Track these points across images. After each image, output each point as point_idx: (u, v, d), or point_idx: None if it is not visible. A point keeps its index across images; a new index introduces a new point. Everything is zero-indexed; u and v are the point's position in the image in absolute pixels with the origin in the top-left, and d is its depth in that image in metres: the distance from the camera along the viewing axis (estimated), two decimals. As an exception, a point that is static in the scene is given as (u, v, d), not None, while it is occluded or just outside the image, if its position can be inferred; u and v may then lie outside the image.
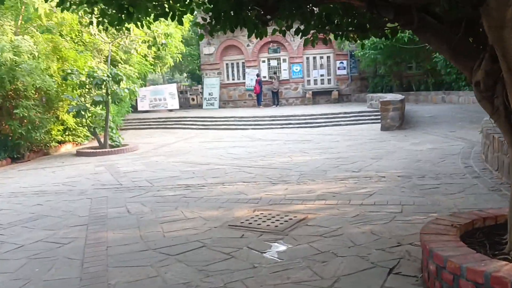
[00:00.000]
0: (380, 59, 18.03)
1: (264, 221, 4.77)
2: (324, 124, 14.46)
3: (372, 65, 20.13)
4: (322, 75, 23.16)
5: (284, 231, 4.42)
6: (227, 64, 24.71)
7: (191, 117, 18.49)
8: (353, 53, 21.87)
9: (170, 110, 23.23)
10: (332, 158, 8.37)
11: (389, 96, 13.40)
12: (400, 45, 16.45)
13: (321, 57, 23.06)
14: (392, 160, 7.77)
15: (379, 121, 13.73)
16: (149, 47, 11.71)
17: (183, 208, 5.53)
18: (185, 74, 32.88)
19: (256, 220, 4.83)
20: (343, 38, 4.40)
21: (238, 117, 17.00)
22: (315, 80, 23.30)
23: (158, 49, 12.21)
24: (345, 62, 22.65)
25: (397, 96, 13.09)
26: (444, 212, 4.60)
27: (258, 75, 22.88)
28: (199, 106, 25.33)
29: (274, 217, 4.90)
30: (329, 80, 23.17)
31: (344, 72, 22.79)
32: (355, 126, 13.64)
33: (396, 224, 4.40)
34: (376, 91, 21.15)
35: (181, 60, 21.74)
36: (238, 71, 24.53)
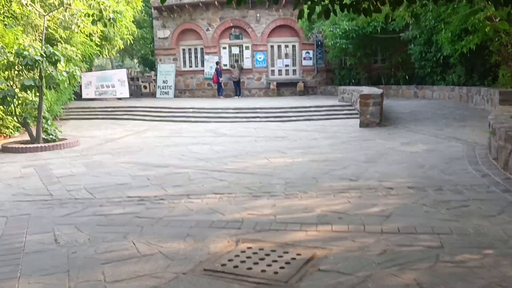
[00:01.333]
0: (351, 49, 16.91)
1: (256, 263, 3.30)
2: (295, 118, 13.13)
3: (341, 56, 19.03)
4: (287, 65, 21.88)
5: (289, 283, 2.97)
6: (184, 49, 22.86)
7: (143, 107, 16.59)
8: (320, 43, 20.70)
9: (119, 99, 21.14)
10: (317, 160, 7.01)
11: (366, 89, 12.26)
12: (373, 35, 15.39)
13: (286, 46, 21.76)
14: (390, 164, 6.52)
15: (354, 116, 12.64)
16: (93, 22, 9.78)
17: (136, 237, 3.94)
18: (136, 60, 30.53)
19: (243, 261, 3.34)
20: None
21: (198, 108, 15.33)
22: (280, 71, 21.98)
23: (105, 26, 10.28)
24: (311, 52, 21.46)
25: (375, 90, 11.97)
26: (498, 247, 3.37)
27: (217, 63, 21.22)
28: (152, 94, 23.34)
29: (268, 254, 3.44)
30: (294, 71, 21.91)
31: (310, 63, 21.60)
32: (329, 121, 12.40)
33: (448, 270, 3.07)
34: (343, 83, 20.15)
35: (132, 42, 19.67)
36: (196, 57, 22.75)
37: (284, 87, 21.77)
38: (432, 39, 13.77)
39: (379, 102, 10.72)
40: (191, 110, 15.19)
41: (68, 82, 10.69)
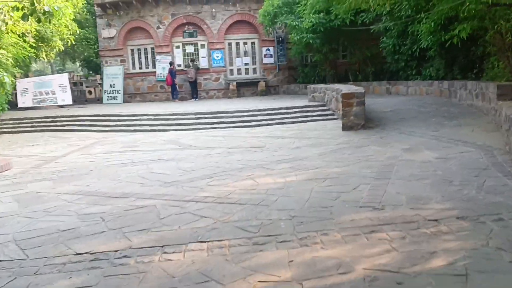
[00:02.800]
0: (318, 44, 15.76)
1: None
2: (265, 122, 11.75)
3: (305, 52, 17.88)
4: (246, 64, 20.51)
5: None
6: (132, 50, 20.93)
7: (89, 116, 14.62)
8: (281, 39, 19.47)
9: (61, 106, 19.01)
10: (315, 179, 5.65)
11: (344, 87, 11.09)
12: (342, 28, 14.31)
13: (245, 43, 20.38)
14: (408, 181, 5.28)
15: (330, 117, 11.52)
16: (24, 17, 7.94)
17: None
18: (79, 63, 28.03)
19: None
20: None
21: (152, 114, 13.60)
22: (239, 70, 20.57)
23: (39, 21, 8.41)
24: (271, 49, 20.23)
25: (355, 87, 10.82)
26: None
27: (171, 63, 19.48)
28: (98, 100, 21.25)
29: None
30: (254, 69, 20.58)
31: (271, 60, 20.36)
32: (305, 125, 11.13)
33: None
34: (306, 81, 19.11)
35: (73, 43, 17.52)
36: (146, 58, 20.87)
37: (245, 87, 20.39)
38: (407, 31, 12.87)
39: (363, 102, 9.57)
40: (145, 117, 13.44)
41: (-6, 90, 8.75)
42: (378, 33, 14.69)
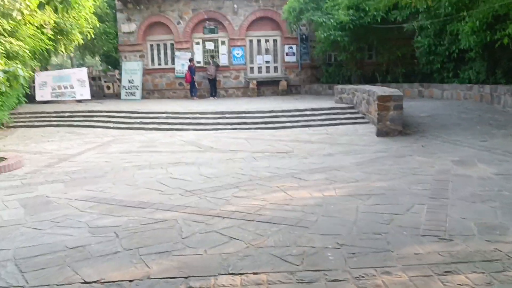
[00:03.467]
0: (346, 42, 14.97)
1: None
2: (290, 124, 11.05)
3: (330, 50, 17.10)
4: (267, 62, 19.80)
5: None
6: (152, 45, 20.41)
7: (107, 111, 14.12)
8: (304, 37, 18.73)
9: (79, 101, 18.60)
10: (358, 195, 4.93)
11: (378, 89, 10.31)
12: (372, 25, 13.50)
13: (267, 40, 19.68)
14: (472, 202, 4.51)
15: (360, 121, 10.78)
16: (40, 5, 7.38)
17: None
18: (98, 57, 27.67)
19: None
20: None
21: (171, 112, 13.01)
22: (260, 68, 19.88)
23: (56, 11, 7.87)
24: (294, 47, 19.48)
25: (391, 90, 10.03)
26: None
27: (191, 60, 18.90)
28: (116, 96, 20.79)
29: None
30: (275, 68, 19.87)
31: (293, 59, 19.62)
32: (333, 128, 10.40)
33: None
34: (330, 81, 18.34)
35: (93, 37, 17.04)
36: (166, 54, 20.33)
37: (265, 86, 19.70)
38: (445, 30, 12.01)
39: (400, 105, 8.80)
40: (163, 115, 12.86)
41: (8, 84, 8.21)
42: (410, 32, 13.86)
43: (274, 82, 19.50)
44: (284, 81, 19.29)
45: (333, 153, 7.51)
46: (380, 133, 8.82)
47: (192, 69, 18.56)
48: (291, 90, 19.61)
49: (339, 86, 13.28)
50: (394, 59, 15.72)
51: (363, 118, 11.28)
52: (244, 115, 12.07)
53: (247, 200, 4.92)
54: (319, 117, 11.51)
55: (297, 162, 6.90)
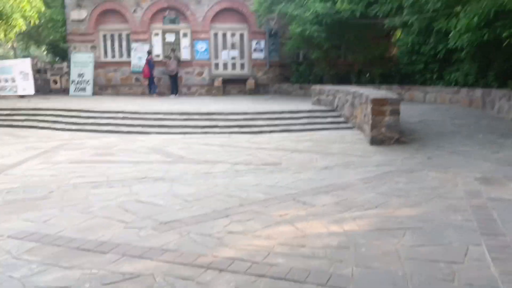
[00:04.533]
0: (323, 38, 13.95)
1: None
2: (268, 129, 9.87)
3: (303, 47, 16.08)
4: (233, 58, 18.55)
5: None
6: (105, 35, 18.62)
7: (54, 109, 12.36)
8: (273, 32, 17.62)
9: (22, 97, 16.62)
10: (389, 230, 3.82)
11: (364, 90, 9.36)
12: (352, 19, 12.55)
13: (233, 34, 18.42)
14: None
15: (344, 126, 9.86)
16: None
17: None
18: (44, 47, 25.32)
19: None
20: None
21: (129, 112, 11.49)
22: (225, 64, 18.59)
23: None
24: (262, 42, 18.35)
25: (384, 92, 9.11)
26: None
27: (149, 53, 17.33)
28: (64, 91, 18.87)
29: None
30: (242, 65, 18.65)
31: (261, 55, 18.49)
32: (317, 134, 9.33)
33: None
34: (301, 81, 17.38)
35: (37, 23, 15.10)
36: (120, 45, 18.61)
37: (231, 85, 18.44)
38: (431, 28, 11.23)
39: (397, 110, 7.86)
40: (120, 114, 11.31)
41: None
42: (390, 30, 13.06)
43: (240, 81, 18.27)
44: (252, 80, 18.11)
45: (329, 165, 6.40)
46: (374, 141, 7.83)
47: (150, 63, 16.98)
48: (259, 90, 18.45)
49: (317, 87, 12.27)
50: (371, 59, 14.93)
51: (346, 122, 10.31)
52: (215, 116, 10.76)
53: (246, 239, 3.68)
54: (299, 121, 10.42)
55: (292, 178, 5.72)
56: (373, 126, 7.85)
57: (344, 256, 3.31)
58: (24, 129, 10.99)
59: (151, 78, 17.35)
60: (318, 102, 11.92)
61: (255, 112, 10.91)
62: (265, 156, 7.22)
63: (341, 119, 10.51)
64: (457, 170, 5.86)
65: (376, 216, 4.17)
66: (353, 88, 10.42)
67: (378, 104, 7.79)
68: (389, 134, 7.80)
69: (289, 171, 6.11)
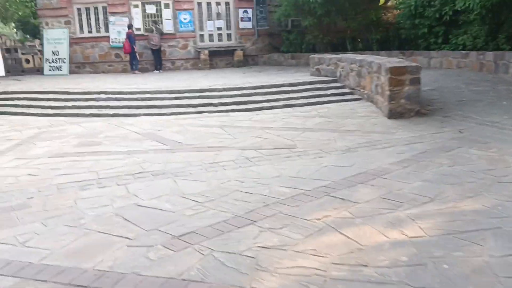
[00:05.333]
0: (318, 3, 12.90)
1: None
2: (268, 105, 8.98)
3: (294, 15, 15.03)
4: (219, 29, 17.37)
5: None
6: (79, 9, 17.17)
7: (27, 92, 11.19)
8: (261, -1, 16.46)
9: (-9, 79, 15.22)
10: (467, 233, 3.06)
11: (371, 58, 8.52)
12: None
13: (218, 3, 17.18)
14: None
15: (351, 97, 9.11)
16: None
17: None
18: (13, 24, 23.59)
19: None
20: None
21: (112, 92, 10.42)
22: (211, 36, 17.41)
23: None
24: (250, 11, 17.17)
25: (395, 59, 8.26)
26: None
27: (129, 27, 16.04)
28: (38, 71, 17.46)
29: None
30: (229, 35, 17.50)
31: (249, 25, 17.34)
32: (324, 108, 8.48)
33: None
34: (292, 50, 16.39)
35: (2, -2, 13.67)
36: (97, 19, 17.21)
37: (218, 57, 17.32)
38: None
39: (418, 79, 7.05)
40: (103, 95, 10.23)
41: None
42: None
43: (228, 52, 17.15)
44: (240, 51, 17.01)
45: (351, 146, 5.60)
46: (392, 114, 7.04)
47: (131, 37, 15.70)
48: (248, 61, 17.39)
49: (316, 56, 11.33)
50: (367, 24, 13.97)
51: (351, 93, 9.48)
52: (207, 93, 9.80)
53: (288, 258, 2.87)
54: (300, 94, 9.54)
55: (314, 164, 4.90)
56: (391, 98, 7.03)
57: (424, 278, 2.54)
58: (-4, 116, 9.85)
59: (132, 54, 16.11)
60: (318, 72, 11.02)
61: (251, 87, 9.96)
62: (275, 137, 6.37)
63: (346, 90, 9.67)
64: (500, 146, 5.13)
65: (438, 214, 3.40)
66: (359, 56, 9.55)
67: (396, 73, 6.95)
68: (409, 106, 7.01)
69: (308, 156, 5.28)
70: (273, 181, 4.40)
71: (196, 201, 3.97)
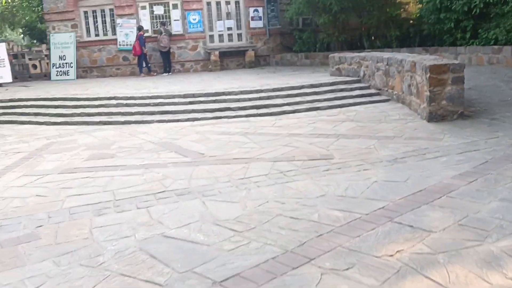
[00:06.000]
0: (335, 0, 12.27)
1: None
2: (290, 108, 8.36)
3: (308, 12, 14.39)
4: (229, 29, 16.77)
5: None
6: (86, 12, 16.68)
7: (35, 99, 10.69)
8: (273, -4, 15.84)
9: (-3, 86, 14.79)
10: None
11: (400, 56, 7.90)
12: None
13: (228, 3, 16.56)
14: None
15: (376, 98, 8.63)
16: None
17: None
18: (20, 30, 23.16)
19: None
20: None
21: (122, 97, 9.87)
22: (221, 36, 16.81)
23: None
24: (260, 10, 16.55)
25: (430, 57, 7.61)
26: None
27: (140, 29, 15.51)
28: (46, 76, 17.00)
29: None
30: (239, 35, 16.89)
31: (260, 24, 16.71)
32: (352, 111, 7.85)
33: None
34: (305, 50, 15.77)
35: (10, 3, 13.16)
36: (104, 22, 16.71)
37: (229, 58, 16.72)
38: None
39: (462, 78, 6.40)
40: (113, 101, 9.68)
41: None
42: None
43: (239, 53, 16.54)
44: (251, 51, 16.39)
45: (397, 156, 4.96)
46: (432, 117, 6.40)
47: (141, 39, 15.18)
48: (259, 61, 16.77)
49: (336, 54, 10.70)
50: (386, 20, 13.31)
51: (378, 94, 8.87)
52: (223, 97, 9.20)
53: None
54: (323, 96, 8.92)
55: (362, 180, 4.28)
56: (431, 99, 6.39)
57: None
58: (1, 126, 9.31)
59: (142, 56, 15.59)
60: (339, 72, 10.38)
61: (270, 89, 9.36)
62: (306, 145, 5.75)
63: (371, 91, 9.04)
64: None
65: (537, 248, 2.76)
66: (386, 54, 8.91)
67: (436, 71, 6.30)
68: (451, 107, 6.37)
69: (351, 168, 4.66)
70: (319, 202, 3.78)
71: (234, 230, 3.36)
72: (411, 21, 13.25)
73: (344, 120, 7.18)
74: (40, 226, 3.73)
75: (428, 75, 6.33)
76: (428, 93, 6.39)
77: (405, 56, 7.87)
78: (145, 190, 4.47)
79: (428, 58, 7.20)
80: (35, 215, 3.98)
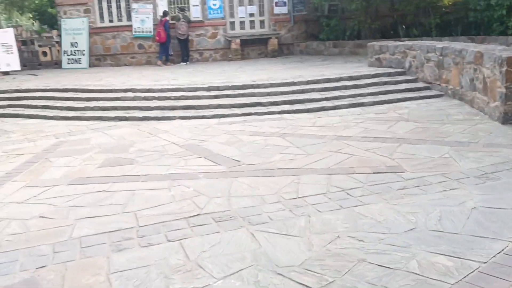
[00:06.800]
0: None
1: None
2: (330, 104, 7.36)
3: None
4: (251, 15, 15.68)
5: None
6: (99, -4, 15.70)
7: (43, 90, 9.83)
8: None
9: (6, 74, 14.07)
10: None
11: (457, 45, 6.86)
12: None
13: (250, -13, 15.47)
14: None
15: (426, 92, 7.57)
16: None
17: None
18: (29, 15, 22.34)
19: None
20: None
21: (140, 89, 8.96)
22: (242, 23, 15.75)
23: None
24: (285, -6, 15.42)
25: (498, 47, 6.55)
26: None
27: (165, 14, 14.59)
28: (56, 64, 16.16)
29: None
30: (261, 22, 15.83)
31: (284, 10, 15.60)
32: (402, 108, 6.86)
33: None
34: (332, 38, 14.68)
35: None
36: (119, 7, 15.76)
37: (250, 46, 15.67)
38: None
39: (546, 73, 5.34)
40: (130, 94, 8.78)
41: None
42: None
43: (261, 41, 15.48)
44: (275, 39, 15.33)
45: (486, 170, 3.98)
46: (508, 118, 5.39)
47: (166, 25, 14.29)
48: (282, 50, 15.72)
49: (376, 43, 9.63)
50: (424, 6, 12.14)
51: (428, 89, 7.83)
52: (252, 90, 8.23)
53: None
54: (366, 90, 7.90)
55: (455, 205, 3.31)
56: (507, 97, 5.36)
57: None
58: (6, 119, 8.47)
59: (166, 44, 14.68)
60: (378, 62, 9.33)
61: (303, 82, 8.37)
62: (363, 152, 4.78)
63: (420, 85, 8.01)
64: None
65: None
66: (440, 43, 7.85)
67: (515, 64, 5.27)
68: (533, 108, 5.34)
69: (433, 187, 3.69)
70: (410, 241, 2.83)
71: (301, 283, 2.43)
72: (453, 8, 12.07)
73: (398, 119, 6.18)
74: (43, 267, 2.85)
75: (504, 69, 5.30)
76: (503, 90, 5.36)
77: (466, 46, 6.82)
78: (175, 212, 3.57)
79: (495, 48, 6.15)
80: (36, 248, 3.10)
